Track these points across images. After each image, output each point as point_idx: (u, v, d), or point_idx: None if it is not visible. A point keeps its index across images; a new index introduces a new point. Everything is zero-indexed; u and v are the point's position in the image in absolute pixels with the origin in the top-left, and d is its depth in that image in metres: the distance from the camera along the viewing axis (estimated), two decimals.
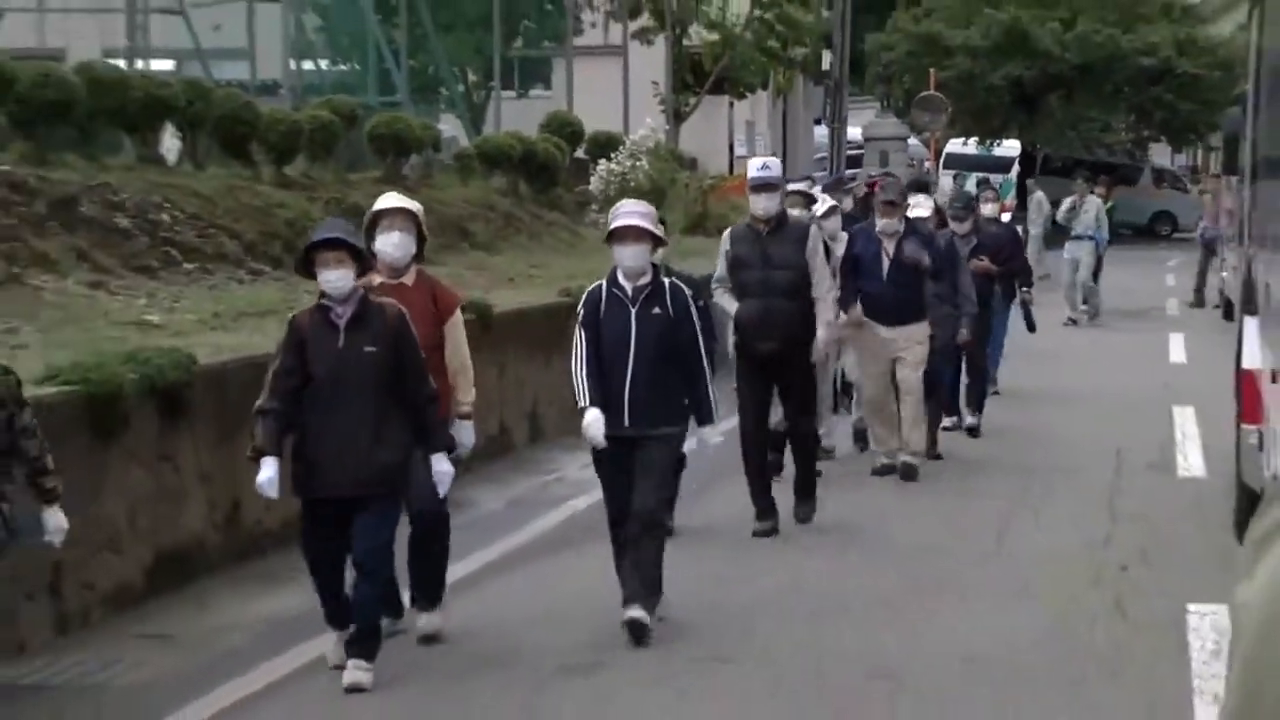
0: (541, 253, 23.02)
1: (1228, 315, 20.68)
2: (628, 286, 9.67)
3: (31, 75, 17.81)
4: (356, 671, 8.72)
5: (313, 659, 9.36)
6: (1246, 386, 11.53)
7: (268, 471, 8.66)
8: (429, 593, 9.74)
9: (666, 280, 9.86)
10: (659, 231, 10.00)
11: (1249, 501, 10.95)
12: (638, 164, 28.34)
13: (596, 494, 10.95)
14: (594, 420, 9.53)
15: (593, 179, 29.66)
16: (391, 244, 9.62)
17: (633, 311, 9.61)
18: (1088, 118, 51.09)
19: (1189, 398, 17.86)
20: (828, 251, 13.29)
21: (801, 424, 12.61)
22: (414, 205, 9.98)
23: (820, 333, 12.07)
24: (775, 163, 12.33)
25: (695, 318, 9.84)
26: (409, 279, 9.74)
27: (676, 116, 43.28)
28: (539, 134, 29.56)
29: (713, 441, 10.09)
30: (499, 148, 27.53)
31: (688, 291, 9.95)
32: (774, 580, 11.06)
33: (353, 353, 8.66)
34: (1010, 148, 49.99)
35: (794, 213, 13.31)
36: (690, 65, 46.38)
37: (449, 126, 33.79)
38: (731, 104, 48.59)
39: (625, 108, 38.13)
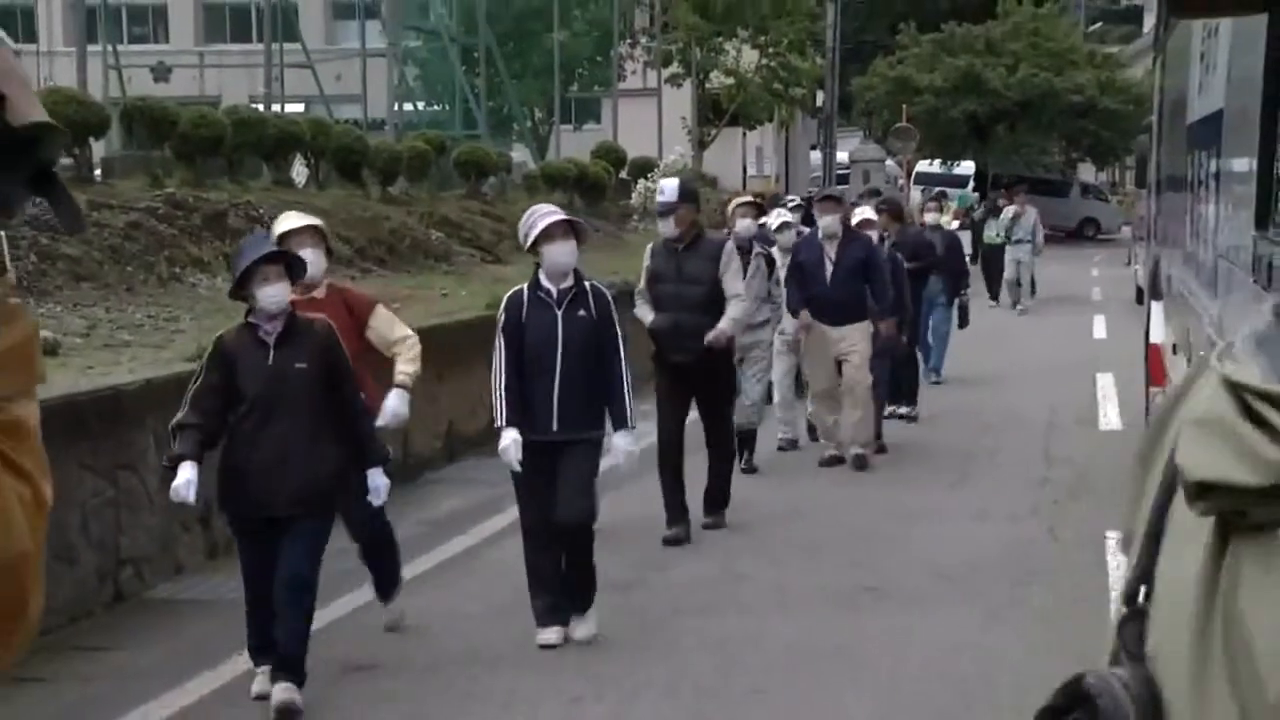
0: (591, 253, 23.01)
1: (1140, 300, 20.57)
2: (553, 289, 7.78)
3: (191, 117, 17.98)
4: (287, 692, 6.71)
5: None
6: (1153, 357, 11.50)
7: (186, 474, 6.69)
8: (385, 589, 8.03)
9: (589, 283, 7.99)
10: (583, 227, 8.30)
11: None
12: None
13: None
14: (512, 443, 7.61)
15: (633, 195, 29.79)
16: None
17: (559, 314, 7.77)
18: (1028, 143, 51.06)
19: (1109, 366, 17.76)
20: (771, 265, 12.25)
21: (714, 434, 10.49)
22: (317, 220, 8.09)
23: (722, 323, 10.05)
24: (672, 187, 10.29)
25: (617, 322, 7.96)
26: (320, 293, 7.75)
27: (700, 145, 43.43)
28: (590, 159, 29.66)
29: (626, 450, 7.99)
30: (558, 170, 27.68)
31: (609, 294, 8.12)
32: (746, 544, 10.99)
33: (284, 370, 6.85)
34: (967, 167, 49.96)
35: (744, 222, 12.20)
36: (711, 104, 46.49)
37: (519, 154, 33.85)
38: (744, 134, 48.55)
39: (659, 138, 38.11)
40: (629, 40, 45.40)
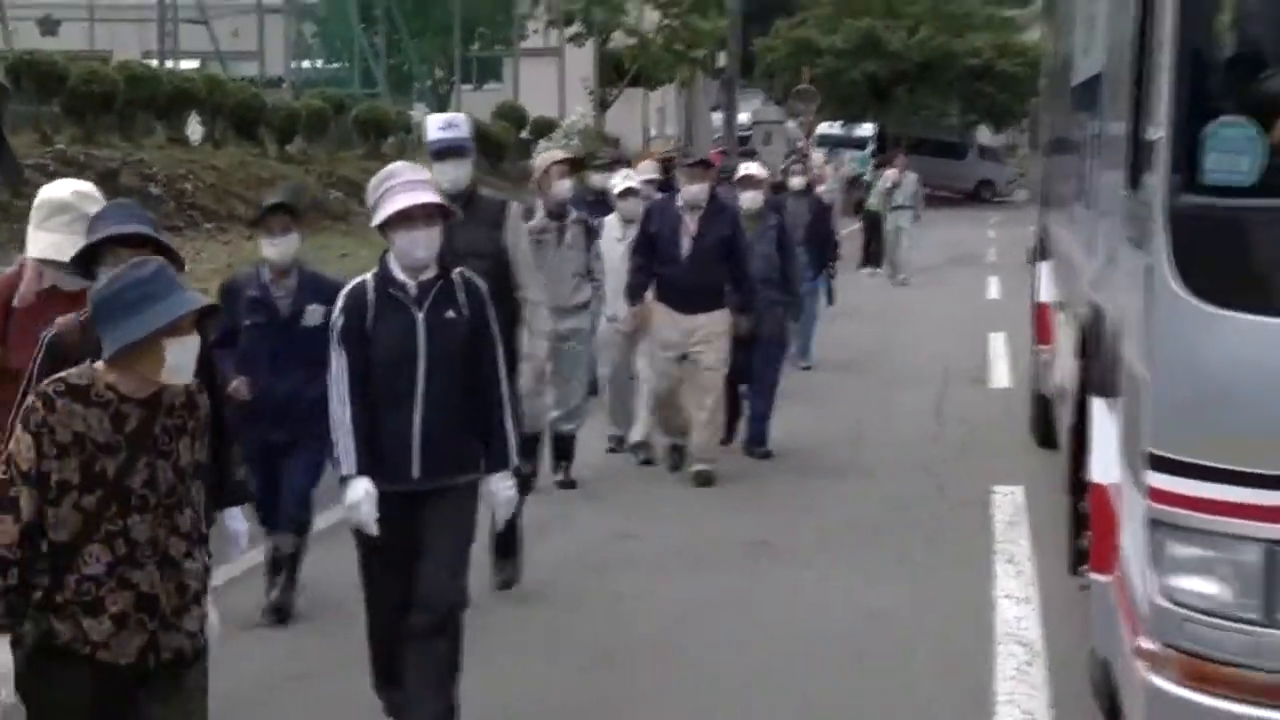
0: None
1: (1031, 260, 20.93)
2: (410, 282, 5.55)
3: (81, 72, 17.89)
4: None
5: None
6: (1039, 316, 11.64)
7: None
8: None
9: (457, 272, 5.68)
10: (453, 207, 5.96)
11: (1041, 404, 11.10)
12: (571, 143, 28.43)
13: None
14: (364, 496, 5.49)
15: (534, 156, 29.80)
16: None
17: (419, 316, 5.55)
18: (927, 106, 51.70)
19: (1001, 325, 17.90)
20: (592, 235, 9.92)
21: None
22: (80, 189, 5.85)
23: (528, 349, 7.34)
24: (463, 120, 7.49)
25: (493, 321, 5.74)
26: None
27: (602, 105, 43.50)
28: (492, 119, 29.66)
29: (504, 497, 5.75)
30: None
31: (483, 286, 5.75)
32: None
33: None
34: (867, 129, 50.42)
35: (563, 184, 9.55)
36: (613, 64, 46.51)
37: (419, 113, 33.65)
38: (646, 95, 48.65)
39: (561, 98, 38.22)
40: None
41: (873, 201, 26.28)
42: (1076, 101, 8.87)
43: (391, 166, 5.81)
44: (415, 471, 5.56)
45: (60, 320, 4.73)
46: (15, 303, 5.41)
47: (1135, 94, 4.79)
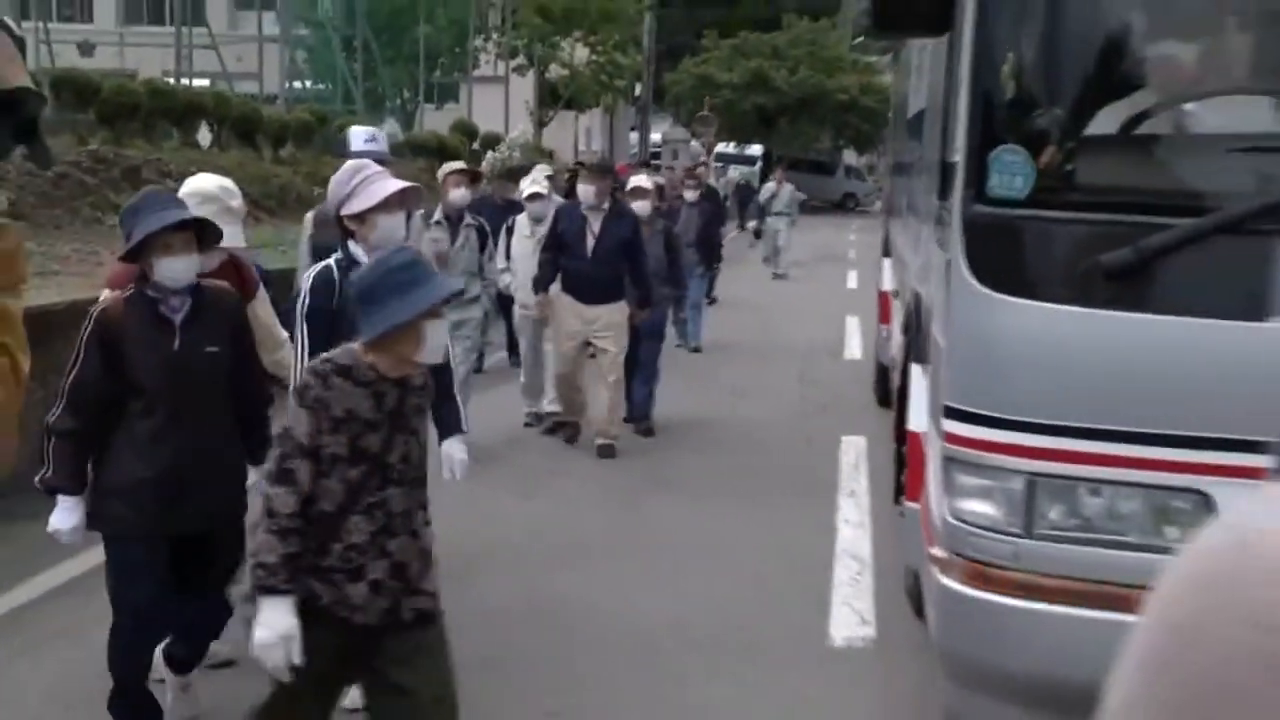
0: None
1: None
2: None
3: (112, 87, 17.72)
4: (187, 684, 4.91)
5: None
6: (882, 302, 11.68)
7: (70, 518, 4.46)
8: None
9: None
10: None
11: (882, 372, 11.19)
12: (513, 153, 28.29)
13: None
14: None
15: (484, 163, 29.68)
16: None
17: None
18: (805, 132, 51.80)
19: (856, 310, 17.95)
20: (484, 237, 9.13)
21: None
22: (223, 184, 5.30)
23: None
24: (383, 135, 6.86)
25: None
26: (214, 261, 5.06)
27: (540, 124, 43.29)
28: (449, 133, 29.50)
29: (460, 459, 5.11)
30: (422, 141, 27.60)
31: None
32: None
33: (191, 355, 4.40)
34: (756, 149, 50.41)
35: (458, 192, 8.94)
36: (549, 90, 46.34)
37: (389, 127, 33.39)
38: (576, 116, 48.43)
39: (506, 117, 37.96)
40: (483, 35, 45.04)
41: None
42: (910, 132, 8.95)
43: (355, 162, 5.28)
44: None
45: (107, 297, 4.38)
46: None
47: (944, 127, 4.90)
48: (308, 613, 3.48)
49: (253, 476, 4.67)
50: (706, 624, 6.27)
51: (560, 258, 9.49)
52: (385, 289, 3.45)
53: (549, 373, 10.35)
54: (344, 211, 5.05)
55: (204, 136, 21.07)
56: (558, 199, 10.91)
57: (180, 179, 16.91)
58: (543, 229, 9.90)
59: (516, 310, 10.36)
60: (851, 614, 6.48)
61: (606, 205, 9.49)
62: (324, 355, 3.58)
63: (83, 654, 5.39)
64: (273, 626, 3.40)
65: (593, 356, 9.81)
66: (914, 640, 5.75)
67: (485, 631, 6.01)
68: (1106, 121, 4.16)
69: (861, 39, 54.15)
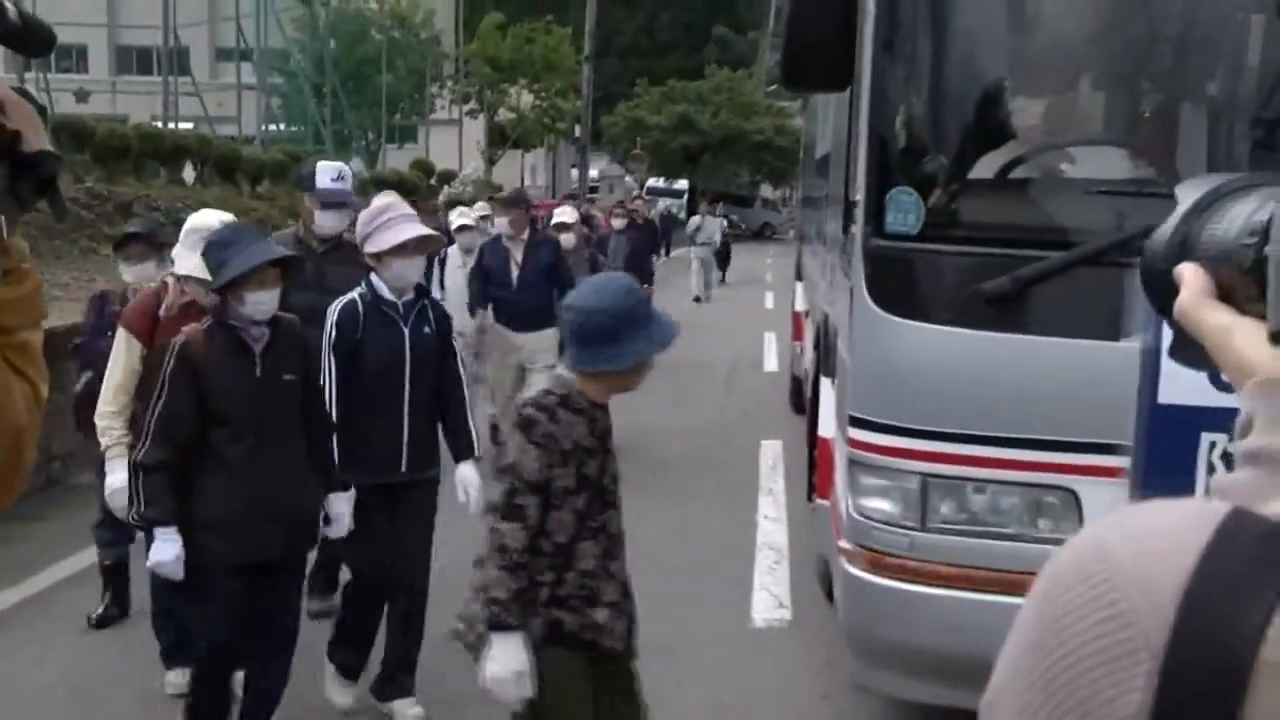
0: None
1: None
2: (398, 302, 4.83)
3: (105, 130, 17.51)
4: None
5: None
6: (795, 320, 11.67)
7: (172, 549, 4.08)
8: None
9: (427, 299, 4.96)
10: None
11: (796, 383, 11.14)
12: (466, 188, 28.32)
13: None
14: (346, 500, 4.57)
15: (440, 196, 29.64)
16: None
17: (405, 331, 4.83)
18: (725, 168, 51.95)
19: (774, 327, 17.89)
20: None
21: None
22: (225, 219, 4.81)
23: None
24: (349, 173, 6.18)
25: (453, 337, 5.08)
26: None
27: (490, 162, 43.38)
28: (409, 170, 29.40)
29: (474, 481, 4.94)
30: (384, 177, 27.32)
31: (445, 310, 5.11)
32: None
33: (273, 383, 4.19)
34: (683, 184, 50.58)
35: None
36: (498, 132, 46.37)
37: (355, 165, 33.20)
38: (523, 155, 48.50)
39: (460, 156, 37.94)
40: (439, 83, 44.99)
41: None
42: (818, 170, 8.97)
43: (382, 202, 4.99)
44: (403, 466, 4.84)
45: (187, 329, 4.13)
46: (161, 313, 4.83)
47: (846, 168, 4.93)
48: (555, 642, 3.21)
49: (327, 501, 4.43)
50: (641, 608, 6.21)
51: (489, 288, 8.98)
52: (627, 322, 3.17)
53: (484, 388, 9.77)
54: (365, 249, 4.83)
55: (189, 174, 20.84)
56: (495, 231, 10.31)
57: (168, 213, 16.74)
58: (473, 259, 9.49)
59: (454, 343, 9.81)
60: (770, 598, 6.49)
61: (525, 235, 8.94)
62: (544, 388, 3.29)
63: (89, 642, 5.32)
64: (505, 663, 3.13)
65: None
66: (825, 621, 5.75)
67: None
68: (986, 167, 4.22)
69: (775, 87, 54.66)
